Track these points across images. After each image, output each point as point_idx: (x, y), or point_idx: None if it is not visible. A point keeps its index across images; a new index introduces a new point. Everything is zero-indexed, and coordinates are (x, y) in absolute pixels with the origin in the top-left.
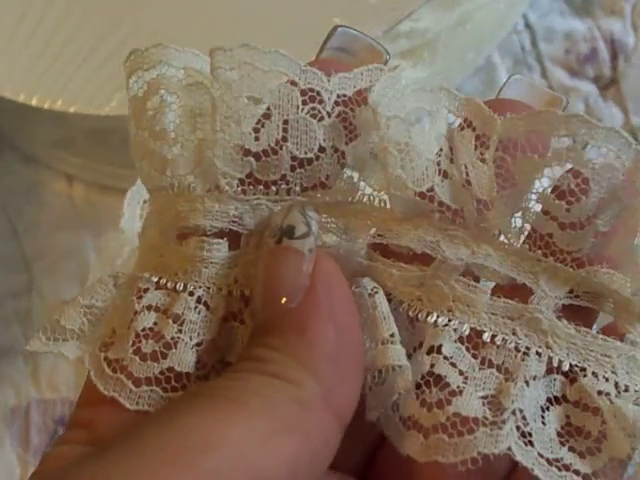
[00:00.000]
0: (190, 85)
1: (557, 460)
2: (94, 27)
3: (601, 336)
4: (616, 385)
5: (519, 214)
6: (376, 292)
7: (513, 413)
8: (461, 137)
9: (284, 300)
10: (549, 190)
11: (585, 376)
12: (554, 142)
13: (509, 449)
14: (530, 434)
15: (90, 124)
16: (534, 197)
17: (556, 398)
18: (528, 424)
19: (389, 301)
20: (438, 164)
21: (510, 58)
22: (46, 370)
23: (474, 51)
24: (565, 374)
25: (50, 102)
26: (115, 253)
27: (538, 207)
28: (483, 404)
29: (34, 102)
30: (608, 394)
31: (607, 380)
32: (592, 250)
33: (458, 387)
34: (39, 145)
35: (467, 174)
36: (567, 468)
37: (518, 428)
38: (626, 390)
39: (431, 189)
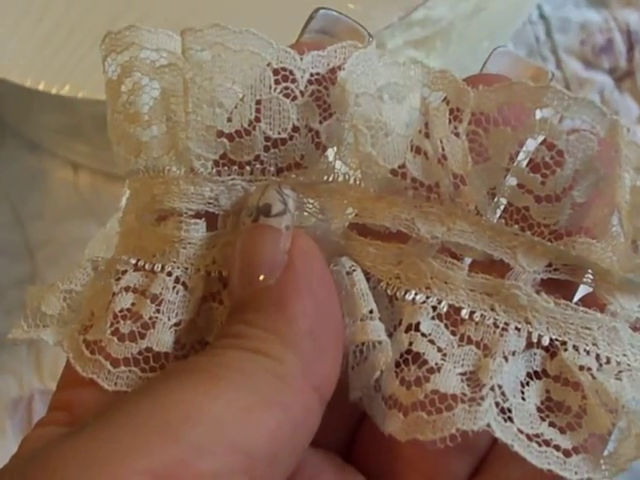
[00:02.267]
0: (163, 67)
1: (537, 436)
2: (103, 11)
3: (581, 308)
4: (597, 358)
5: (494, 188)
6: (354, 270)
7: (492, 389)
8: (435, 111)
9: (262, 277)
10: (523, 163)
11: (566, 350)
12: (527, 114)
13: (488, 425)
14: (510, 410)
15: (97, 110)
16: (508, 171)
17: (536, 373)
18: (507, 400)
19: (367, 280)
20: (411, 140)
21: (524, 49)
22: (49, 360)
23: (488, 41)
24: (546, 348)
25: (57, 87)
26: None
27: (514, 181)
28: (462, 381)
29: (41, 87)
30: (590, 369)
31: (588, 353)
32: (569, 222)
33: (436, 364)
34: (44, 132)
35: (442, 149)
36: (547, 443)
37: (497, 404)
38: (607, 362)
39: (403, 166)
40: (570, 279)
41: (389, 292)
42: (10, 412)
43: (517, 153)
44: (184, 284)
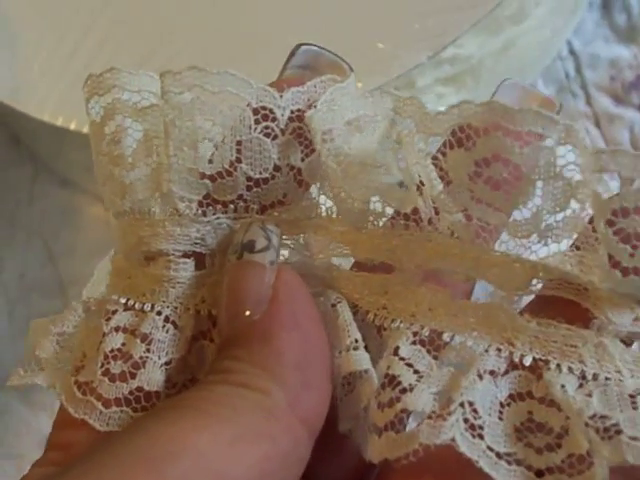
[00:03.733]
0: (145, 108)
1: (509, 454)
2: (135, 50)
3: (564, 325)
4: (583, 375)
5: (466, 210)
6: (339, 302)
7: (462, 405)
8: (407, 138)
9: (248, 312)
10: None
11: (549, 369)
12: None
13: (453, 440)
14: (481, 427)
15: None
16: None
17: (520, 394)
18: (480, 417)
19: (355, 312)
20: (385, 169)
21: (554, 85)
22: None
23: (518, 77)
24: (532, 370)
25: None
26: None
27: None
28: (435, 399)
29: (72, 126)
30: (573, 387)
31: (572, 371)
32: (544, 234)
33: (410, 385)
34: (76, 169)
35: (419, 175)
36: (519, 463)
37: (466, 420)
38: (595, 379)
39: (377, 197)
40: (556, 294)
41: (377, 323)
42: (43, 449)
43: (475, 173)
44: (174, 323)
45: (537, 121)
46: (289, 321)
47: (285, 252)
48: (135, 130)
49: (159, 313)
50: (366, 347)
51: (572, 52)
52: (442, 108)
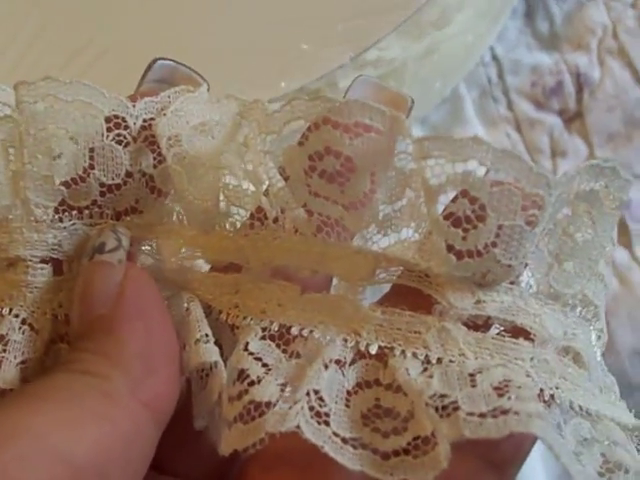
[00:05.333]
0: (0, 119)
1: (354, 439)
2: (66, 46)
3: (408, 313)
4: (428, 360)
5: (306, 205)
6: (191, 301)
7: (307, 394)
8: (250, 140)
9: (96, 308)
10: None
11: (394, 356)
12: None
13: (298, 427)
14: (327, 414)
15: None
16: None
17: (367, 382)
18: (326, 405)
19: (210, 312)
20: (227, 171)
21: (476, 89)
22: None
23: (441, 82)
24: (379, 358)
25: None
26: None
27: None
28: (282, 390)
29: None
30: (417, 371)
31: (416, 356)
32: (383, 224)
33: (258, 377)
34: None
35: (265, 174)
36: (364, 447)
37: (312, 408)
38: (439, 362)
39: (221, 198)
40: (397, 282)
41: (230, 322)
42: None
43: (310, 167)
44: (30, 325)
45: (364, 112)
46: (133, 313)
47: (141, 257)
48: None
49: (16, 316)
50: (220, 346)
51: (495, 58)
52: None
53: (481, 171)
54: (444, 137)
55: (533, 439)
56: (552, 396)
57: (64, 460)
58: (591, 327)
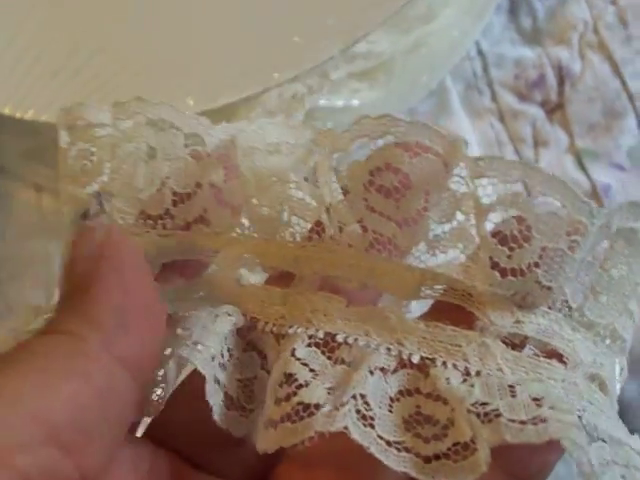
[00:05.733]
0: (101, 137)
1: (398, 443)
2: (65, 43)
3: (450, 327)
4: (467, 372)
5: (362, 220)
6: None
7: (354, 397)
8: (320, 164)
9: (77, 269)
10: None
11: (435, 367)
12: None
13: (346, 428)
14: (372, 418)
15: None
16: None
17: (408, 391)
18: (371, 409)
19: (256, 324)
20: (294, 186)
21: (462, 82)
22: None
23: (428, 75)
24: (420, 369)
25: (21, 112)
26: None
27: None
28: (329, 393)
29: (6, 111)
30: (458, 381)
31: (456, 367)
32: (432, 244)
33: (305, 381)
34: (8, 155)
35: (328, 190)
36: (407, 450)
37: (359, 411)
38: (477, 375)
39: (284, 208)
40: (442, 299)
41: (275, 331)
42: None
43: (369, 182)
44: None
45: (425, 133)
46: (110, 272)
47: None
48: (92, 153)
49: None
50: (265, 356)
51: (480, 52)
52: (356, 101)
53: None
54: (497, 158)
55: (557, 457)
56: (580, 418)
57: (41, 419)
58: (616, 360)
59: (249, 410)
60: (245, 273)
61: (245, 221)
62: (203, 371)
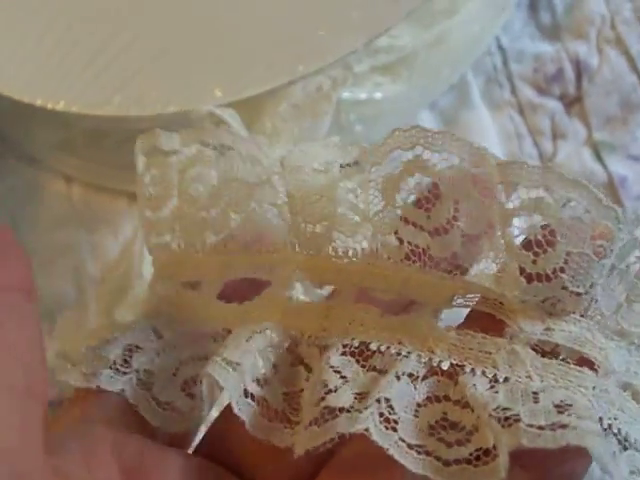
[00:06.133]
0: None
1: (419, 446)
2: (96, 35)
3: (480, 334)
4: (495, 379)
5: (397, 232)
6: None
7: (378, 401)
8: (364, 182)
9: None
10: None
11: (464, 373)
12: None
13: (367, 430)
14: (396, 422)
15: (89, 125)
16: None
17: (437, 397)
18: (395, 413)
19: (301, 338)
20: (340, 203)
21: (483, 76)
22: None
23: (449, 69)
24: (450, 376)
25: (53, 103)
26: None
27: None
28: (355, 398)
29: (38, 102)
30: (484, 387)
31: (484, 374)
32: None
33: (335, 387)
34: (41, 147)
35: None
36: (428, 453)
37: (382, 414)
38: (506, 381)
39: (327, 223)
40: (475, 308)
41: (317, 343)
42: None
43: (401, 193)
44: None
45: (452, 142)
46: None
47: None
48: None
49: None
50: (311, 369)
51: (500, 47)
52: (379, 94)
53: (552, 198)
54: (520, 163)
55: (585, 466)
56: (610, 425)
57: None
58: None
59: (295, 422)
60: (298, 288)
61: (293, 239)
62: (225, 386)
